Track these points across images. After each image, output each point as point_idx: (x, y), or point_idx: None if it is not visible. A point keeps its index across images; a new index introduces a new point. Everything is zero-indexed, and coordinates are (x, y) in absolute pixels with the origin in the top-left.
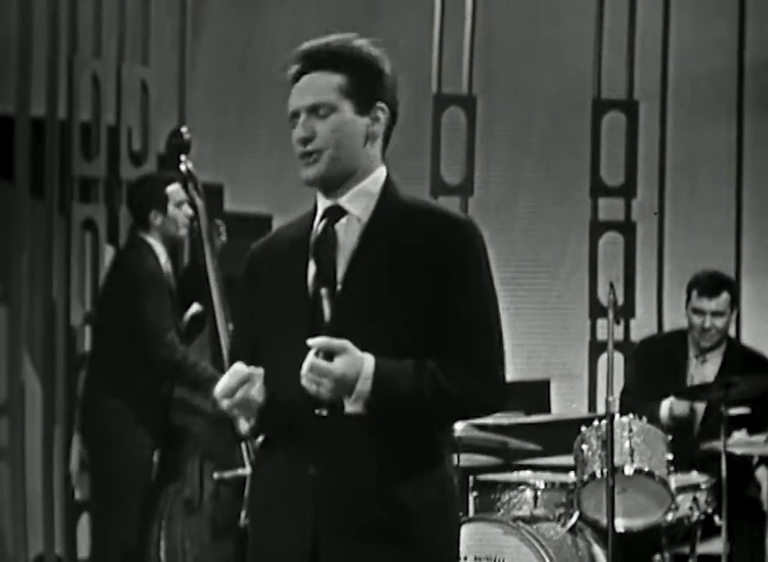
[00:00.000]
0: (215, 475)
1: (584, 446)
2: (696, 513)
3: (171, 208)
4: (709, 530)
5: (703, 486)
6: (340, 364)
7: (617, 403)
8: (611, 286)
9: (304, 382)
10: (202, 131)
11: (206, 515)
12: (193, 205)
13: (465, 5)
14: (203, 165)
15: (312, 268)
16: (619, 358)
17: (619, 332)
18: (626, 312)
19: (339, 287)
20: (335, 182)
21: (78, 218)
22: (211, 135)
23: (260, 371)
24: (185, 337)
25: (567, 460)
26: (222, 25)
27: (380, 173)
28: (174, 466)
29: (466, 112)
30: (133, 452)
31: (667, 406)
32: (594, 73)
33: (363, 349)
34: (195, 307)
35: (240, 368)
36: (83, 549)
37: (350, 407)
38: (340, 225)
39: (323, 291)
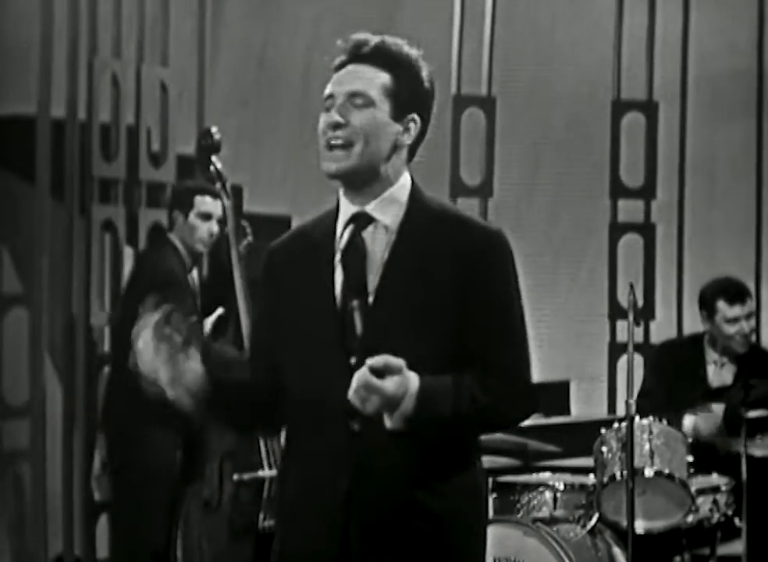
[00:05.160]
0: (235, 477)
1: (604, 448)
2: (716, 515)
3: (192, 215)
4: (730, 532)
5: (723, 488)
6: (391, 384)
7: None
8: (631, 287)
9: (351, 396)
10: (221, 132)
11: (224, 516)
12: (221, 206)
13: (485, 6)
14: (222, 166)
15: (340, 278)
16: (639, 360)
17: (639, 334)
18: (646, 314)
19: (370, 299)
20: (358, 180)
21: (98, 219)
22: (230, 136)
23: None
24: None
25: (587, 461)
26: (240, 25)
27: (405, 181)
28: (193, 466)
29: (485, 113)
30: (157, 451)
31: (691, 424)
32: (613, 74)
33: None
34: (219, 310)
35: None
36: (102, 550)
37: (391, 424)
38: (368, 234)
39: (354, 303)
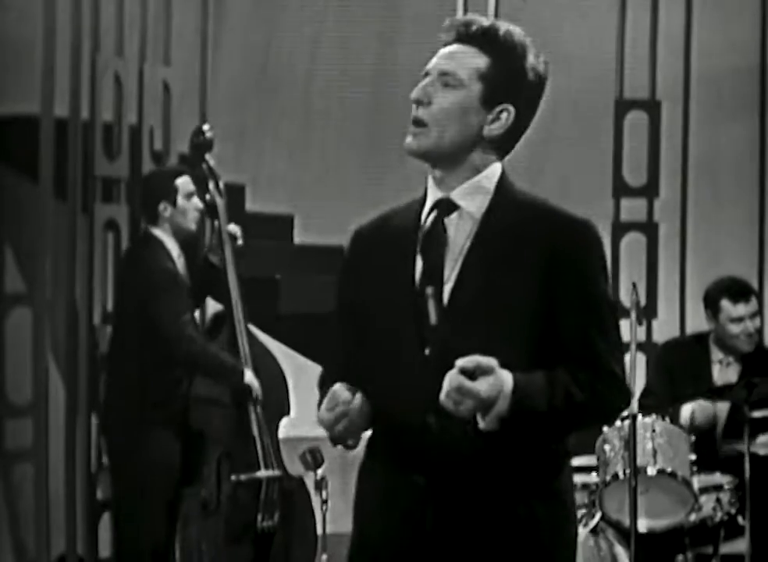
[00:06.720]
0: (233, 477)
1: (607, 447)
2: (719, 514)
3: (180, 199)
4: (733, 530)
5: (726, 487)
6: (485, 386)
7: (638, 404)
8: (634, 286)
9: (443, 399)
10: (223, 131)
11: (223, 517)
12: (213, 204)
13: (487, 6)
14: (224, 165)
15: (420, 265)
16: (641, 359)
17: (641, 333)
18: (648, 313)
19: (447, 287)
20: (438, 162)
21: (100, 219)
22: (232, 135)
23: (358, 397)
24: (207, 336)
25: (590, 460)
26: (243, 25)
27: (495, 169)
28: (191, 468)
29: None
30: (156, 453)
31: (689, 412)
32: (616, 73)
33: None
34: (216, 307)
35: (340, 390)
36: (105, 548)
37: (485, 424)
38: (451, 221)
39: (429, 291)
